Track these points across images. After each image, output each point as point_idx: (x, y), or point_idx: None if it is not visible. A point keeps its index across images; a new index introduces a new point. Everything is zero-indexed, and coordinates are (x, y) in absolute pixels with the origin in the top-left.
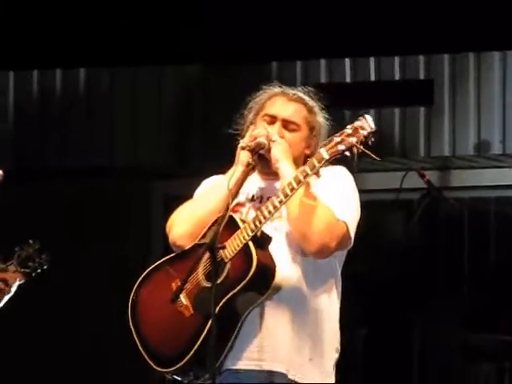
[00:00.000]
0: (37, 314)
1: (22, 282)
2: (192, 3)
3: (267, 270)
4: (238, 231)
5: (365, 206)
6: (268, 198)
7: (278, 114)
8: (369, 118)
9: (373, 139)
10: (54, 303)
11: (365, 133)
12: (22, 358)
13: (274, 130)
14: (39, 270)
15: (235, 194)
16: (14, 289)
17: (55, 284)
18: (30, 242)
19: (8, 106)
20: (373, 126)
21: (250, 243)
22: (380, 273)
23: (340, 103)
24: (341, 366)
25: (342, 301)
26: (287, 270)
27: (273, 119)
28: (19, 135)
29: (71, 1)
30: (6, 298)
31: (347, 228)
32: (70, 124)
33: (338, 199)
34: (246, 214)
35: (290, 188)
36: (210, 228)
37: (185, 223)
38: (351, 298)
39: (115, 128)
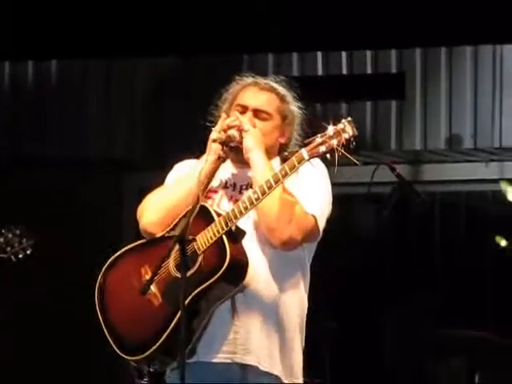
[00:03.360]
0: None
1: None
2: None
3: (240, 264)
4: (212, 224)
5: (336, 199)
6: (241, 186)
7: (250, 103)
8: (352, 120)
9: (354, 143)
10: (32, 290)
11: (346, 136)
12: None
13: (246, 119)
14: (21, 255)
15: (206, 186)
16: None
17: (34, 271)
18: (11, 227)
19: None
20: (355, 130)
21: (224, 236)
22: (351, 266)
23: (312, 97)
24: (310, 359)
25: (312, 293)
26: (256, 262)
27: (244, 109)
28: None
29: None
30: None
31: (316, 221)
32: (42, 116)
33: (308, 192)
34: (219, 201)
35: (267, 185)
36: (181, 218)
37: (156, 211)
38: (321, 291)
39: (88, 120)
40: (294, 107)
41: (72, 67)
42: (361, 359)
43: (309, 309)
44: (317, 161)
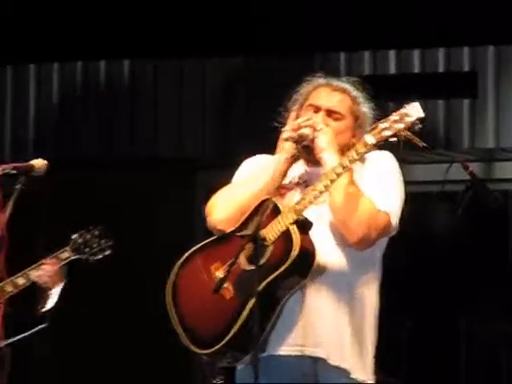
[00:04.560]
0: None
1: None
2: None
3: (308, 254)
4: (280, 215)
5: (409, 197)
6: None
7: (323, 104)
8: (417, 104)
9: (420, 126)
10: (106, 288)
11: (412, 119)
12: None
13: (318, 118)
14: (98, 256)
15: (279, 184)
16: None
17: (102, 271)
18: (90, 228)
19: (52, 96)
20: (421, 112)
21: (292, 227)
22: (424, 264)
23: (384, 95)
24: (384, 358)
25: (387, 292)
26: (329, 254)
27: (317, 109)
28: (63, 125)
29: None
30: (58, 288)
31: (389, 218)
32: (115, 115)
33: (380, 188)
34: (291, 198)
35: (335, 173)
36: (250, 214)
37: (225, 208)
38: (395, 290)
39: (160, 119)
40: (366, 108)
41: (144, 67)
42: (435, 358)
43: (383, 308)
44: (388, 154)
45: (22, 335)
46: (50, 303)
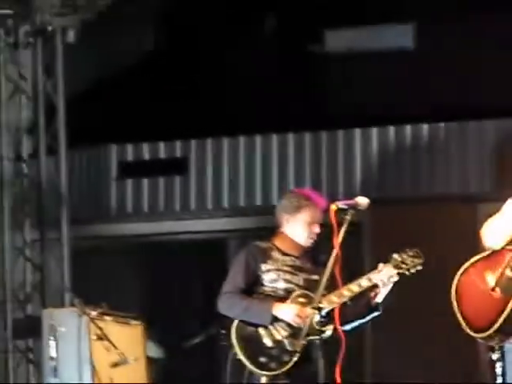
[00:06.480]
0: None
1: (395, 279)
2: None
3: None
4: None
5: None
6: None
7: None
8: None
9: None
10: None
11: None
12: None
13: None
14: (413, 271)
15: None
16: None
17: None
18: (406, 250)
19: (372, 156)
20: None
21: None
22: None
23: None
24: None
25: None
26: None
27: None
28: (382, 176)
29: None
30: (385, 291)
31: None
32: (417, 168)
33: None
34: None
35: None
36: None
37: (494, 233)
38: None
39: (453, 170)
40: None
41: (438, 130)
42: None
43: None
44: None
45: (361, 321)
46: (380, 298)
